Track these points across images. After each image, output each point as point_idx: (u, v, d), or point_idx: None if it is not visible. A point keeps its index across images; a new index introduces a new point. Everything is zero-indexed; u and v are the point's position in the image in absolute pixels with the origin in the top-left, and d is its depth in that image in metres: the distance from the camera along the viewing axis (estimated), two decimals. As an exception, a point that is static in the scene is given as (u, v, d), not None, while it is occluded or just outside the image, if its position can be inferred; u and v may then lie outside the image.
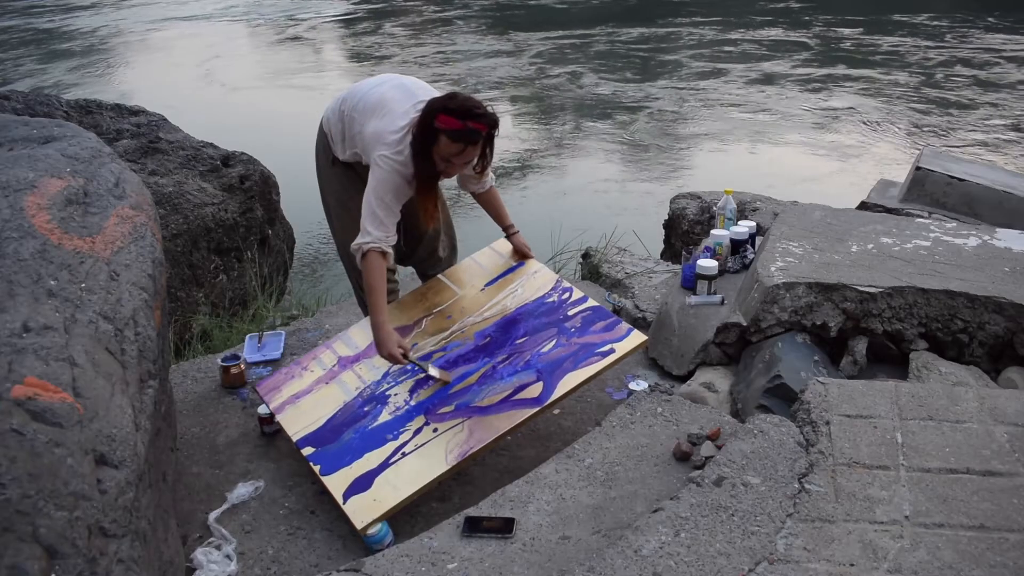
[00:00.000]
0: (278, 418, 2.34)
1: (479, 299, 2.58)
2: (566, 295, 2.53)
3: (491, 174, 2.55)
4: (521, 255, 2.69)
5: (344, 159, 2.47)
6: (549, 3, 15.57)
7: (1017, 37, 11.38)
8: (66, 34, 14.01)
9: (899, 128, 7.94)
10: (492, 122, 2.19)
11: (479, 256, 2.76)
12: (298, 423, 2.30)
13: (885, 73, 9.80)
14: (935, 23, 12.57)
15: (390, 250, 2.30)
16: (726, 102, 8.98)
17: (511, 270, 2.66)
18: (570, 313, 2.47)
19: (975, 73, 9.62)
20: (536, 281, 2.61)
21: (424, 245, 2.73)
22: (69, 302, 1.59)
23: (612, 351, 2.31)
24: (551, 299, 2.53)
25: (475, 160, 2.28)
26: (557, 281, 2.59)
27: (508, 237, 2.71)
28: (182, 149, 4.03)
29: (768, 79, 9.85)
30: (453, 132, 2.13)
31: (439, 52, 11.82)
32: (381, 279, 2.28)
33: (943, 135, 7.65)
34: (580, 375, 2.26)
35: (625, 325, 2.41)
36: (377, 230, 2.25)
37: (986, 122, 7.95)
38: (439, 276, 2.71)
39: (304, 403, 2.36)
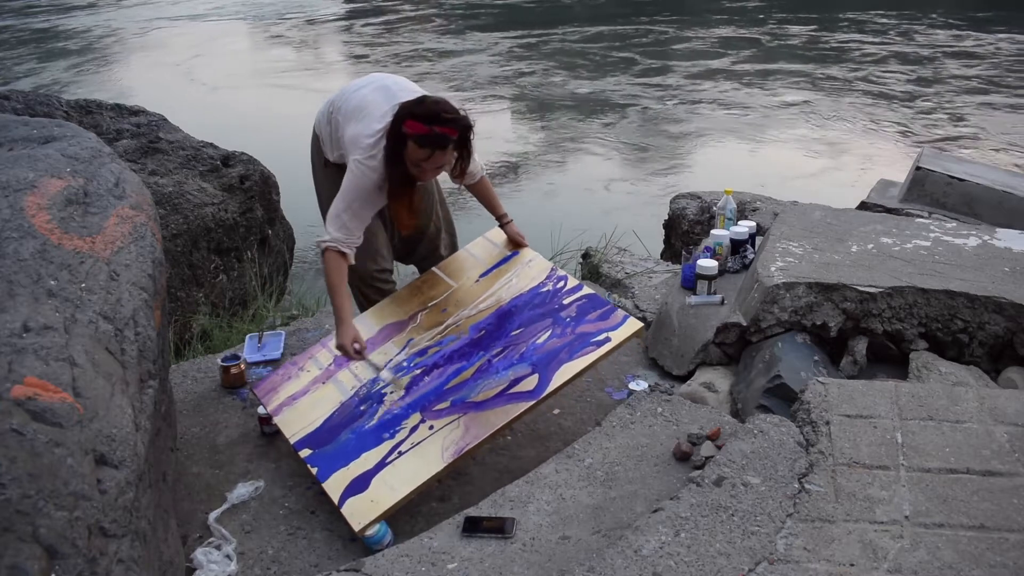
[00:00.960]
0: (276, 420, 2.34)
1: (474, 291, 2.57)
2: (561, 283, 2.51)
3: (481, 165, 2.54)
4: (515, 244, 2.68)
5: (334, 160, 2.47)
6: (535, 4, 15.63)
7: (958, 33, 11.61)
8: (63, 34, 14.02)
9: (872, 125, 8.02)
10: (463, 126, 2.16)
11: (473, 247, 2.75)
12: (295, 425, 2.29)
13: (851, 70, 9.90)
14: (882, 20, 12.74)
15: (350, 251, 2.32)
16: (705, 100, 9.06)
17: (505, 260, 2.65)
18: (565, 302, 2.44)
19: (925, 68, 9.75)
20: (531, 271, 2.59)
21: (425, 244, 2.72)
22: (69, 302, 1.59)
23: (608, 339, 2.28)
24: (545, 288, 2.51)
25: (450, 164, 2.26)
26: (552, 270, 2.58)
27: (502, 226, 2.70)
28: (182, 149, 4.02)
29: (738, 76, 9.95)
30: (420, 137, 2.12)
31: (429, 50, 11.85)
32: (339, 276, 2.31)
33: (929, 130, 7.72)
34: (576, 366, 2.23)
35: (621, 312, 2.37)
36: (338, 232, 2.27)
37: (934, 115, 8.05)
38: (434, 269, 2.70)
39: (301, 404, 2.36)
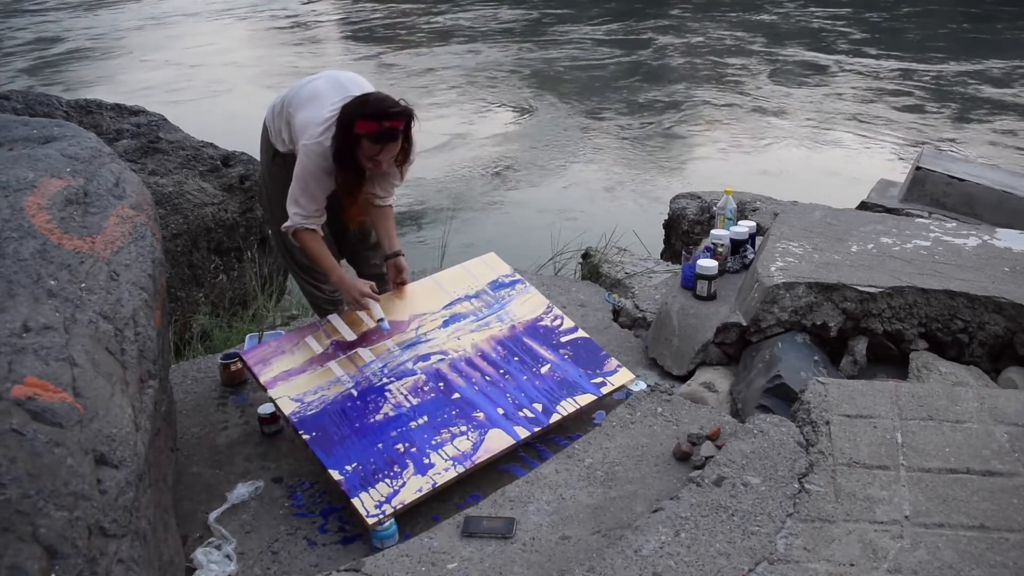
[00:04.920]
0: (270, 392, 2.31)
1: (469, 306, 2.67)
2: (557, 322, 2.65)
3: (394, 193, 2.60)
4: (397, 271, 2.64)
5: (282, 151, 2.52)
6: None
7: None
8: (61, 34, 14.00)
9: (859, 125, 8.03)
10: (408, 116, 2.26)
11: (471, 265, 2.83)
12: (294, 403, 2.28)
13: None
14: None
15: (317, 227, 2.43)
16: (706, 99, 9.07)
17: (501, 286, 2.77)
18: (563, 340, 2.58)
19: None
20: (529, 302, 2.71)
21: (352, 231, 2.72)
22: (69, 302, 1.59)
23: (605, 383, 2.44)
24: (543, 323, 2.64)
25: (396, 153, 2.34)
26: (548, 307, 2.71)
27: (391, 258, 2.62)
28: (182, 149, 4.02)
29: (739, 74, 9.96)
30: (373, 135, 2.22)
31: (432, 52, 11.86)
32: (319, 245, 2.44)
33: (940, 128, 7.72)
34: (579, 401, 2.37)
35: (614, 360, 2.52)
36: (299, 214, 2.38)
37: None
38: (433, 277, 2.76)
39: (298, 382, 2.33)
